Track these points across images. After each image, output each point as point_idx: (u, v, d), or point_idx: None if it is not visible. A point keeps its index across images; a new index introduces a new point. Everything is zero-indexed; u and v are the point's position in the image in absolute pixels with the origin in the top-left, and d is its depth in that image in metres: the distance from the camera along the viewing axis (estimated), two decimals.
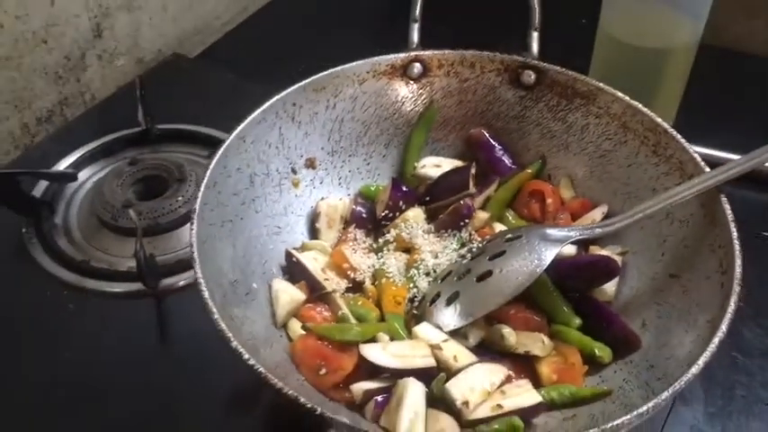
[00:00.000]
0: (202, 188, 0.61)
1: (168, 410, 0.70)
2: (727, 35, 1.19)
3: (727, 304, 0.53)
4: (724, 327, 0.52)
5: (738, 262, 0.56)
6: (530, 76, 0.74)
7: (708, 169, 0.63)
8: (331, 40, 1.12)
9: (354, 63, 0.74)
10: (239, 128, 0.66)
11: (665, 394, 0.48)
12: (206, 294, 0.54)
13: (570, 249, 0.68)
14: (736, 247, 0.57)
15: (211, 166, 0.63)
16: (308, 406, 0.48)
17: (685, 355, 0.52)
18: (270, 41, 1.18)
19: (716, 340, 0.51)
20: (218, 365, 0.72)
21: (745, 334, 0.79)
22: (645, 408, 0.48)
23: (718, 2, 1.16)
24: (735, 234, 0.58)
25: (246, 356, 0.51)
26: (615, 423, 0.47)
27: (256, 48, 1.17)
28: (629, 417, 0.47)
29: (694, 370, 0.50)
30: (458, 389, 0.57)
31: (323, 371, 0.59)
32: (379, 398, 0.58)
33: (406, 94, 0.76)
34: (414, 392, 0.56)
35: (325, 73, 0.72)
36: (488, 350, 0.63)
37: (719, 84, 1.06)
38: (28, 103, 1.00)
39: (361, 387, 0.59)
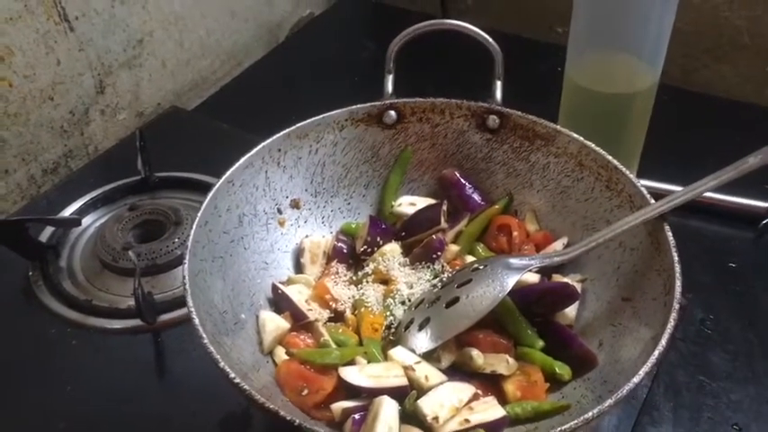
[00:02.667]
0: (194, 227, 0.67)
1: None
2: (698, 78, 1.26)
3: (668, 320, 0.58)
4: (664, 341, 0.57)
5: (678, 283, 0.61)
6: (494, 121, 0.80)
7: (653, 201, 0.68)
8: (318, 93, 1.19)
9: (335, 111, 0.80)
10: (228, 172, 0.72)
11: (609, 401, 0.53)
12: (197, 321, 0.60)
13: (534, 278, 0.73)
14: (677, 269, 0.62)
15: (203, 208, 0.69)
16: (288, 418, 0.53)
17: (632, 369, 0.57)
18: (262, 94, 1.25)
19: (656, 353, 0.56)
20: (212, 394, 0.77)
21: (712, 359, 0.84)
22: (590, 414, 0.53)
23: (687, 48, 1.23)
24: (676, 258, 0.63)
25: (232, 375, 0.56)
26: (563, 428, 0.52)
27: (250, 100, 1.24)
28: (576, 422, 0.52)
29: (635, 379, 0.55)
30: (428, 405, 0.62)
31: (305, 392, 0.64)
32: (357, 415, 0.62)
33: (382, 139, 0.82)
34: (388, 409, 0.61)
35: (308, 121, 0.78)
36: (459, 371, 0.68)
37: (686, 124, 1.12)
38: (35, 155, 1.07)
39: (340, 406, 0.63)
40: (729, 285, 0.93)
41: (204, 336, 0.58)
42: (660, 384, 0.81)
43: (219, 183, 0.71)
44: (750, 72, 1.23)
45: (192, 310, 0.60)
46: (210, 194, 0.70)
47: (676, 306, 0.59)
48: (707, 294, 0.90)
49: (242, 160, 0.74)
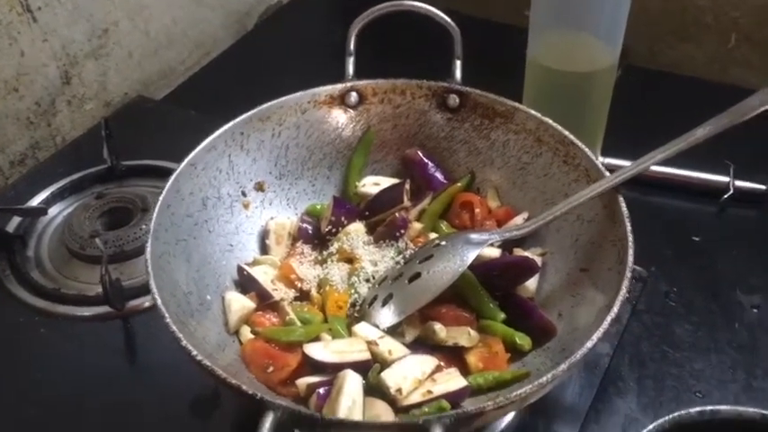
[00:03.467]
0: (156, 210, 0.68)
1: (138, 421, 0.75)
2: (663, 58, 1.28)
3: (620, 288, 0.60)
4: (616, 307, 0.58)
5: (630, 252, 0.63)
6: (455, 100, 0.81)
7: (608, 174, 0.70)
8: (288, 79, 1.18)
9: (296, 94, 0.80)
10: (190, 156, 0.73)
11: (562, 366, 0.55)
12: (159, 302, 0.60)
13: (495, 252, 0.75)
14: (629, 239, 0.64)
15: (165, 191, 0.69)
16: (250, 392, 0.54)
17: (588, 336, 0.59)
18: (231, 82, 1.24)
19: (608, 318, 0.58)
20: (182, 378, 0.78)
21: (675, 330, 0.86)
22: (545, 378, 0.54)
23: (653, 28, 1.24)
24: (629, 228, 0.64)
25: (194, 353, 0.57)
26: (519, 392, 0.53)
27: (219, 89, 1.23)
28: (531, 386, 0.54)
29: (588, 344, 0.56)
30: (392, 378, 0.63)
31: (270, 369, 0.65)
32: (321, 390, 0.63)
33: (345, 121, 0.83)
34: (352, 383, 0.62)
35: (270, 104, 0.79)
36: (422, 345, 0.69)
37: (652, 103, 1.14)
38: (1, 148, 1.06)
39: (305, 381, 0.64)
40: (693, 259, 0.95)
41: (167, 315, 0.59)
42: (624, 355, 0.83)
43: (182, 166, 0.72)
44: (714, 51, 1.24)
45: (155, 291, 0.61)
46: (173, 178, 0.71)
47: (628, 274, 0.61)
48: (670, 268, 0.92)
49: (204, 143, 0.74)
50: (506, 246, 0.76)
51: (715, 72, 1.24)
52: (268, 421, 0.51)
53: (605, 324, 0.57)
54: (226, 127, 0.76)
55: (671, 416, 0.69)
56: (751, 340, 0.85)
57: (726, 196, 0.99)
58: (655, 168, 1.02)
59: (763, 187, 1.00)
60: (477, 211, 0.78)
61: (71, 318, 0.84)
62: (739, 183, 1.00)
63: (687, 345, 0.84)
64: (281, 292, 0.73)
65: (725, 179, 1.00)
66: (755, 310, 0.88)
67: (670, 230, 0.97)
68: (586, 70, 0.92)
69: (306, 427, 0.52)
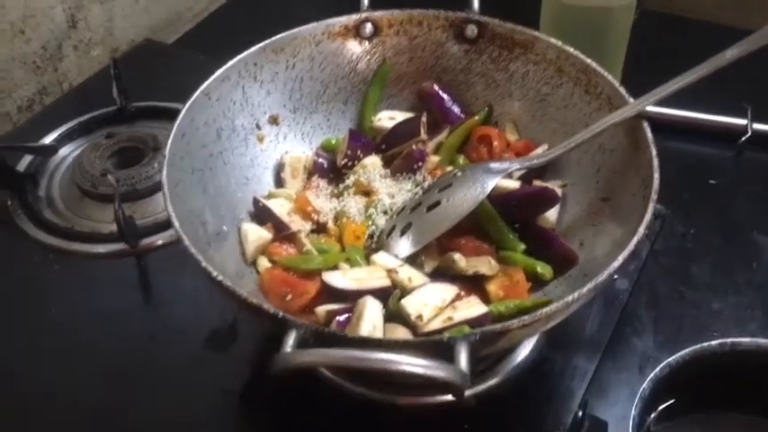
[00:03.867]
0: (171, 137, 0.66)
1: (153, 356, 0.75)
2: (679, 2, 1.26)
3: (645, 211, 0.58)
4: (641, 229, 0.57)
5: (656, 175, 0.61)
6: (473, 31, 0.79)
7: (631, 100, 0.68)
8: (297, 23, 1.18)
9: (310, 25, 0.78)
10: (204, 85, 0.71)
11: (588, 286, 0.54)
12: (177, 225, 0.59)
13: (515, 184, 0.73)
14: (655, 163, 0.62)
15: (179, 119, 0.68)
16: (271, 312, 0.54)
17: (612, 259, 0.58)
18: (241, 27, 1.22)
19: (635, 239, 0.57)
20: (198, 313, 0.78)
21: (693, 270, 0.85)
22: (570, 297, 0.53)
23: None
24: (654, 152, 0.63)
25: (215, 274, 0.56)
26: (544, 310, 0.53)
27: (228, 33, 1.21)
28: (556, 305, 0.53)
29: (615, 264, 0.55)
30: (412, 304, 0.62)
31: (289, 296, 0.64)
32: (341, 317, 0.63)
33: (359, 53, 0.81)
34: (372, 309, 0.62)
35: (283, 35, 0.77)
36: (442, 277, 0.68)
37: (665, 46, 1.12)
38: (8, 92, 1.05)
39: (324, 308, 0.64)
40: (710, 201, 0.94)
41: (185, 237, 0.58)
42: (642, 296, 0.82)
43: (196, 95, 0.71)
44: None
45: (173, 214, 0.60)
46: (187, 106, 0.69)
47: (654, 197, 0.59)
48: (688, 210, 0.91)
49: (218, 73, 0.73)
50: (526, 178, 0.75)
51: (731, 16, 1.22)
52: (291, 338, 0.51)
53: (631, 245, 0.56)
54: (239, 57, 0.75)
55: (691, 348, 0.69)
56: None
57: (743, 139, 0.98)
58: (672, 111, 1.02)
59: None
60: (495, 144, 0.77)
61: (85, 255, 0.83)
62: (757, 125, 0.98)
63: (704, 285, 0.84)
64: (297, 224, 0.72)
65: (743, 122, 0.99)
66: None
67: (687, 174, 0.96)
68: (604, 5, 0.90)
69: (329, 345, 0.51)
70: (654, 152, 0.63)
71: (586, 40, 0.90)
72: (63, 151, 0.97)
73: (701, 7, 1.24)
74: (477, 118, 0.80)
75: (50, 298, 0.81)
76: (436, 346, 0.51)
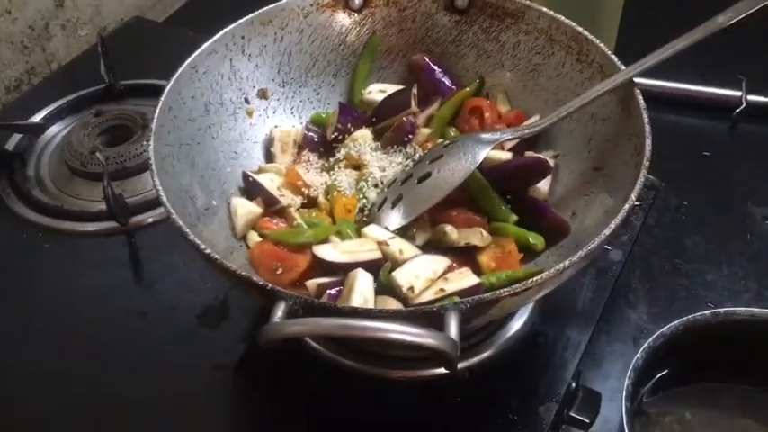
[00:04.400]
0: (158, 110, 0.66)
1: (145, 334, 0.75)
2: None
3: (638, 177, 0.58)
4: (633, 195, 0.57)
5: (648, 142, 0.61)
6: (463, 1, 0.78)
7: (623, 67, 0.68)
8: None
9: None
10: (191, 58, 0.70)
11: (579, 253, 0.53)
12: (164, 198, 0.58)
13: (506, 155, 0.73)
14: (647, 130, 0.62)
15: (165, 92, 0.67)
16: (260, 284, 0.53)
17: (603, 230, 0.57)
18: (231, 4, 1.21)
19: (626, 206, 0.56)
20: (189, 289, 0.78)
21: (687, 243, 0.85)
22: (561, 265, 0.53)
23: None
24: (646, 119, 0.62)
25: (203, 246, 0.55)
26: (535, 279, 0.52)
27: (217, 11, 1.17)
28: (547, 272, 0.53)
29: (606, 231, 0.55)
30: (403, 276, 0.62)
31: (279, 270, 0.64)
32: (332, 291, 0.62)
33: (349, 25, 0.80)
34: (363, 281, 0.61)
35: (271, 6, 0.76)
36: (434, 249, 0.68)
37: (662, 10, 1.11)
38: None
39: (315, 282, 0.63)
40: (704, 173, 0.94)
41: (173, 211, 0.57)
42: (635, 268, 0.82)
43: (182, 68, 0.70)
44: None
45: (160, 188, 0.59)
46: (173, 79, 0.69)
47: (646, 163, 0.59)
48: (682, 182, 0.90)
49: (204, 46, 0.72)
50: (518, 149, 0.74)
51: None
52: (280, 309, 0.50)
53: (623, 212, 0.55)
54: (226, 30, 0.74)
55: (685, 318, 0.69)
56: (763, 251, 0.84)
57: (738, 111, 0.98)
58: (666, 84, 1.01)
59: None
60: (486, 115, 0.76)
61: (75, 233, 0.83)
62: (752, 97, 0.98)
63: (698, 257, 0.83)
64: (287, 199, 0.71)
65: (737, 94, 0.98)
66: (767, 222, 0.86)
67: (682, 146, 0.96)
68: None
69: (317, 315, 0.51)
70: (646, 119, 0.62)
71: (580, 6, 0.89)
72: (52, 130, 0.96)
73: None
74: (468, 89, 0.79)
75: (41, 277, 0.80)
76: (426, 315, 0.50)
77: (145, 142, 0.89)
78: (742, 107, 0.98)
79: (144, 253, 0.83)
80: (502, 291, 0.52)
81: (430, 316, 0.50)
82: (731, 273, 0.82)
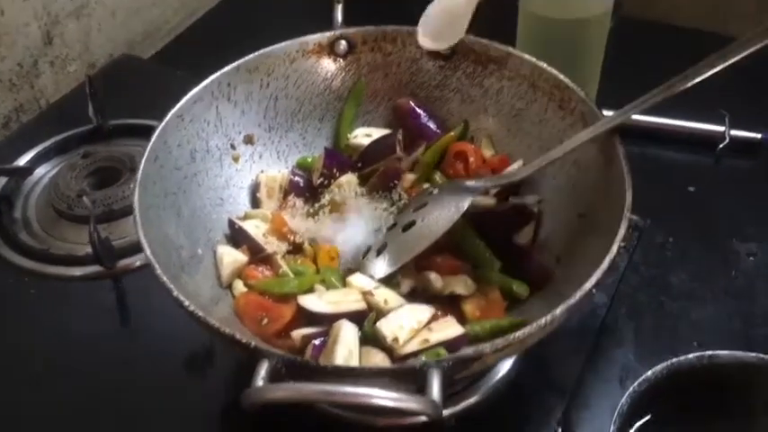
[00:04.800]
0: (143, 161, 0.66)
1: (131, 381, 0.74)
2: (657, 9, 1.26)
3: (618, 228, 0.58)
4: (614, 247, 0.57)
5: (629, 193, 0.61)
6: None
7: (603, 116, 0.68)
8: (274, 38, 1.17)
9: (284, 43, 0.78)
10: (177, 107, 0.71)
11: (561, 308, 0.54)
12: (149, 251, 0.59)
13: (490, 201, 0.73)
14: (627, 179, 0.62)
15: (152, 142, 0.67)
16: (243, 342, 0.53)
17: (586, 281, 0.57)
18: (219, 41, 1.19)
19: (607, 259, 0.56)
20: (175, 336, 0.77)
21: (672, 280, 0.85)
22: (543, 320, 0.53)
23: None
24: (626, 169, 0.63)
25: (187, 303, 0.55)
26: (517, 334, 0.52)
27: (206, 48, 1.20)
28: (530, 327, 0.53)
29: (587, 285, 0.55)
30: (388, 327, 0.62)
31: (265, 321, 0.64)
32: (317, 341, 0.62)
33: (334, 70, 0.80)
34: (347, 332, 0.61)
35: (257, 54, 0.76)
36: (418, 296, 0.68)
37: (646, 55, 1.11)
38: None
39: (300, 333, 0.63)
40: (688, 209, 0.94)
41: (157, 266, 0.57)
42: (621, 306, 0.82)
43: (168, 117, 0.70)
44: (710, 1, 1.22)
45: (144, 242, 0.59)
46: (159, 129, 0.69)
47: (627, 214, 0.59)
48: (666, 218, 0.91)
49: (190, 94, 0.72)
50: (502, 194, 0.74)
51: (710, 22, 1.22)
52: (263, 369, 0.50)
53: (604, 265, 0.56)
54: (212, 77, 0.74)
55: (669, 361, 0.69)
56: (748, 288, 0.84)
57: (721, 146, 0.98)
58: (649, 119, 1.02)
59: (758, 136, 0.99)
60: (471, 160, 0.76)
61: (61, 278, 0.82)
62: (735, 132, 0.99)
63: (684, 294, 0.84)
64: (273, 246, 0.72)
65: (720, 129, 0.99)
66: (752, 258, 0.87)
67: (666, 181, 0.96)
68: (580, 17, 0.90)
69: (302, 374, 0.51)
70: (626, 168, 0.63)
71: (563, 52, 0.90)
72: (39, 171, 0.95)
73: (679, 13, 1.24)
74: (453, 134, 0.79)
75: (26, 322, 0.80)
76: (409, 373, 0.50)
77: (132, 185, 0.87)
78: (725, 142, 0.98)
79: (131, 297, 0.82)
80: (483, 347, 0.52)
81: (413, 374, 0.50)
82: (716, 311, 0.82)
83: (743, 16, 1.22)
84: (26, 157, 0.96)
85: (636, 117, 0.97)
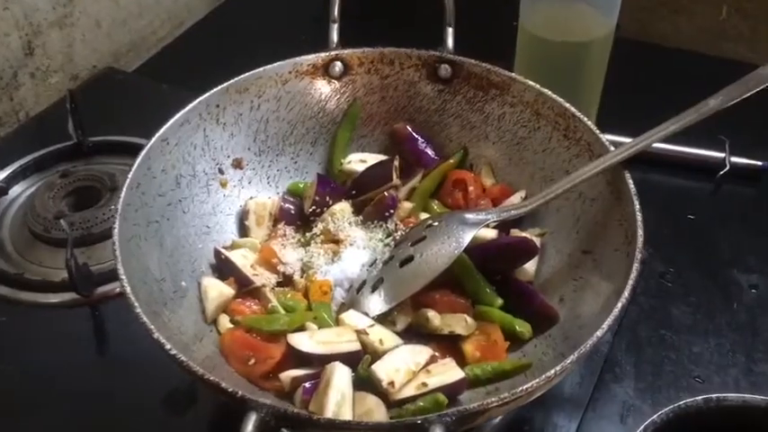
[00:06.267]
0: (124, 189, 0.62)
1: (107, 417, 0.70)
2: (654, 31, 1.24)
3: (630, 271, 0.56)
4: (627, 293, 0.54)
5: (640, 232, 0.59)
6: (446, 70, 0.76)
7: (612, 148, 0.66)
8: (267, 50, 1.13)
9: (276, 64, 0.75)
10: (161, 130, 0.68)
11: (571, 357, 0.51)
12: (128, 290, 0.55)
13: (491, 233, 0.70)
14: (638, 218, 0.60)
15: (134, 169, 0.64)
16: (229, 390, 0.49)
17: (594, 323, 0.55)
18: (206, 54, 1.18)
19: (619, 305, 0.54)
20: (156, 370, 0.72)
21: (673, 312, 0.83)
22: (552, 372, 0.50)
23: (644, 1, 1.21)
24: (637, 207, 0.60)
25: (168, 347, 0.52)
26: (524, 387, 0.49)
27: (193, 60, 1.17)
28: (537, 380, 0.50)
29: (599, 333, 0.52)
30: (383, 370, 0.59)
31: (252, 361, 0.60)
32: (308, 384, 0.59)
33: (329, 92, 0.78)
34: (340, 376, 0.58)
35: (248, 74, 0.74)
36: (415, 334, 0.65)
37: (643, 77, 1.10)
38: None
39: (289, 375, 0.60)
40: (689, 238, 0.92)
41: (137, 305, 0.54)
42: (622, 340, 0.79)
43: (152, 141, 0.67)
44: (706, 23, 1.21)
45: (124, 278, 0.56)
46: (142, 154, 0.65)
47: (638, 256, 0.56)
48: (667, 248, 0.88)
49: (176, 117, 0.69)
50: (503, 226, 0.71)
51: (706, 44, 1.21)
52: (251, 422, 0.47)
53: (616, 311, 0.53)
54: (200, 99, 0.71)
55: (676, 405, 0.66)
56: (750, 321, 0.82)
57: (722, 173, 0.96)
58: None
59: (759, 163, 0.97)
60: (470, 189, 0.74)
61: (35, 305, 0.78)
62: (735, 159, 0.96)
63: (685, 327, 0.81)
64: (262, 278, 0.68)
65: (721, 155, 0.97)
66: (754, 291, 0.85)
67: (665, 209, 0.94)
68: (581, 40, 0.88)
69: (293, 427, 0.47)
70: (637, 206, 0.60)
71: (563, 75, 0.88)
72: (15, 190, 0.91)
73: (677, 36, 1.23)
74: (451, 161, 0.77)
75: None
76: (410, 429, 0.47)
77: (113, 206, 0.85)
78: (726, 169, 0.96)
79: (109, 327, 0.78)
80: (489, 401, 0.49)
81: (412, 429, 0.47)
82: (718, 345, 0.80)
83: (738, 40, 1.21)
84: (2, 174, 0.92)
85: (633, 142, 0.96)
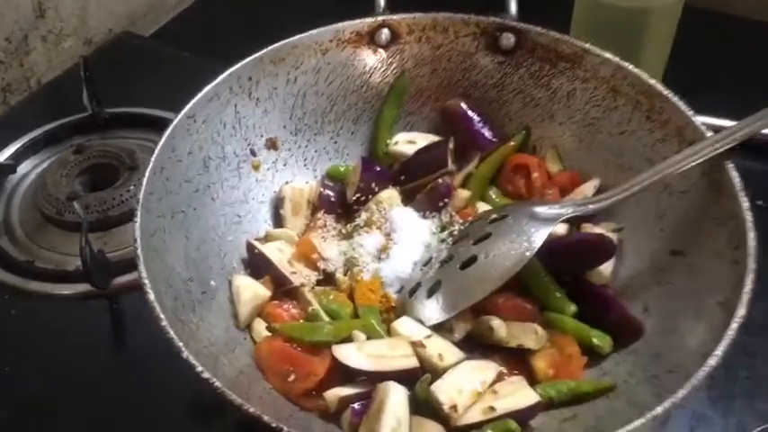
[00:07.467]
0: (146, 176, 0.57)
1: (126, 421, 0.65)
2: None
3: (743, 284, 0.48)
4: (742, 310, 0.46)
5: (752, 235, 0.51)
6: (509, 40, 0.70)
7: (709, 134, 0.57)
8: (299, 13, 1.06)
9: (316, 31, 0.69)
10: (188, 106, 0.62)
11: (682, 392, 0.43)
12: (152, 297, 0.50)
13: (561, 229, 0.63)
14: (749, 219, 0.52)
15: (157, 151, 0.58)
16: (273, 425, 0.42)
17: (697, 345, 0.47)
18: (231, 18, 1.11)
19: (734, 326, 0.46)
20: (179, 370, 0.66)
21: (752, 315, 0.74)
22: (660, 408, 0.42)
23: None
24: (746, 205, 0.52)
25: (200, 369, 0.46)
26: (629, 428, 0.41)
27: (214, 25, 1.11)
28: (641, 420, 0.42)
29: (712, 362, 0.44)
30: (444, 391, 0.52)
31: (292, 377, 0.54)
32: (357, 405, 0.53)
33: (374, 63, 0.72)
34: (395, 398, 0.51)
35: (284, 42, 0.68)
36: (476, 344, 0.58)
37: (706, 46, 1.02)
38: None
39: (335, 394, 0.54)
40: (763, 226, 0.83)
41: (162, 316, 0.48)
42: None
43: (177, 119, 0.60)
44: None
45: (147, 282, 0.50)
46: (167, 134, 0.59)
47: (753, 266, 0.48)
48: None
49: (204, 91, 0.63)
50: (573, 220, 0.63)
51: None
52: None
53: (730, 333, 0.45)
54: (230, 71, 0.65)
55: (764, 426, 0.59)
56: None
57: None
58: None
59: None
60: (534, 175, 0.67)
61: (47, 296, 0.73)
62: None
63: (763, 330, 0.72)
64: (300, 276, 0.62)
65: None
66: None
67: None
68: (649, 6, 0.81)
69: None
70: (745, 204, 0.52)
71: (625, 44, 0.82)
72: (24, 166, 0.86)
73: (747, 4, 1.14)
74: (512, 143, 0.71)
75: (4, 349, 0.70)
76: None
77: (132, 186, 0.78)
78: None
79: (128, 322, 0.72)
80: None
81: None
82: None
83: None
84: (10, 149, 0.86)
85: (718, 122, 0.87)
